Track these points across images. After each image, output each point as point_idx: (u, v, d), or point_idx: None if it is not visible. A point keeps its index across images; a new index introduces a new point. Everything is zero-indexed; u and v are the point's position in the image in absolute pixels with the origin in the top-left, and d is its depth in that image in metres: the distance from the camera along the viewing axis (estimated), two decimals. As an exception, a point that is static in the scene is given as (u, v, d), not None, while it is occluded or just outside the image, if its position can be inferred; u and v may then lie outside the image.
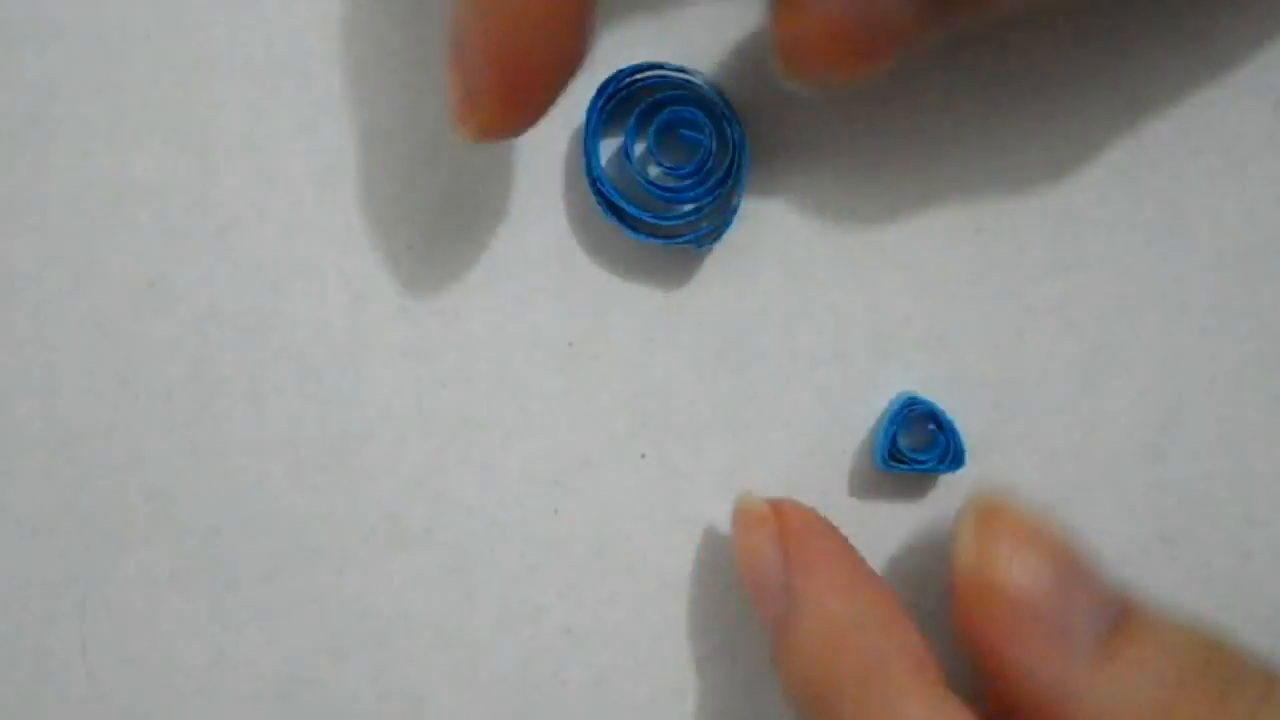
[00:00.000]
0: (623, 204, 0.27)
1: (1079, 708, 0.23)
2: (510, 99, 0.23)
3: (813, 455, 0.28)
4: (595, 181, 0.27)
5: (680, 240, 0.27)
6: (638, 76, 0.27)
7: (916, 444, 0.27)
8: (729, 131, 0.27)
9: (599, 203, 0.27)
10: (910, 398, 0.27)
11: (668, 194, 0.27)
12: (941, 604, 0.27)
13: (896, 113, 0.28)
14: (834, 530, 0.26)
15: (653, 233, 0.27)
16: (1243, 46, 0.28)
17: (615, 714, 0.28)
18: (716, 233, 0.27)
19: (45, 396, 0.28)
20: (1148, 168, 0.28)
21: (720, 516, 0.28)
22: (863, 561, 0.26)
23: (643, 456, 0.28)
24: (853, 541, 0.26)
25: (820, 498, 0.28)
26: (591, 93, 0.27)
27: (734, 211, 0.27)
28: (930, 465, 0.27)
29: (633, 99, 0.28)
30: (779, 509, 0.26)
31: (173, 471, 0.28)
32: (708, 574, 0.28)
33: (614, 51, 0.28)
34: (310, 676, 0.28)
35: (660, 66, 0.27)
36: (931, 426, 0.27)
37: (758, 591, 0.25)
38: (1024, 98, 0.28)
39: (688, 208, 0.27)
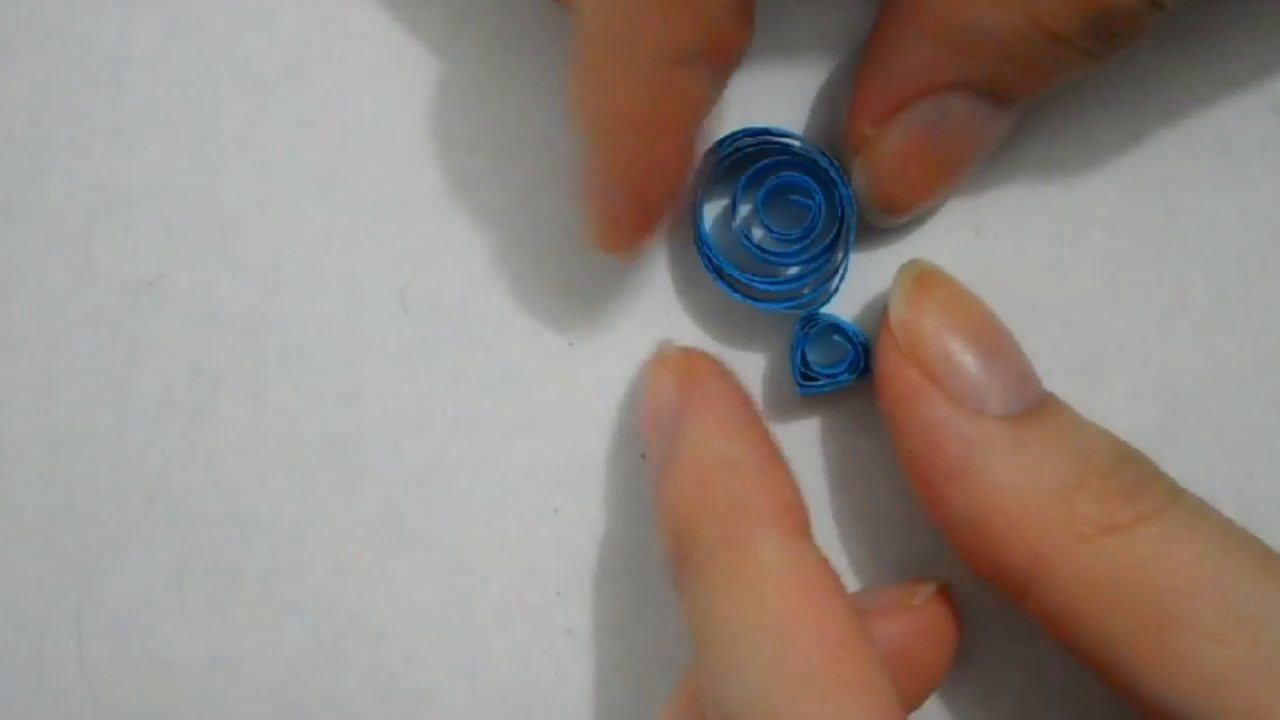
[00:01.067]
0: (728, 268, 0.27)
1: (983, 462, 0.23)
2: (646, 220, 0.25)
3: (814, 455, 0.28)
4: (702, 244, 0.27)
5: (784, 305, 0.27)
6: (748, 141, 0.27)
7: (829, 359, 0.27)
8: (837, 196, 0.27)
9: (705, 266, 0.27)
10: (806, 315, 0.27)
11: (774, 258, 0.27)
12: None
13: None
14: (732, 376, 0.26)
15: (756, 296, 0.27)
16: (1243, 45, 0.28)
17: (615, 714, 0.28)
18: (821, 298, 0.27)
19: (45, 396, 0.28)
20: (1148, 167, 0.28)
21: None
22: (752, 407, 0.25)
23: (643, 457, 0.28)
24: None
25: (825, 496, 0.28)
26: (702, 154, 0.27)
27: (841, 278, 0.27)
28: (843, 377, 0.27)
29: (740, 163, 0.27)
30: (688, 354, 0.26)
31: (172, 471, 0.28)
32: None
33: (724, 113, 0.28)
34: (310, 677, 0.28)
35: (767, 131, 0.27)
36: (837, 338, 0.27)
37: (651, 432, 0.25)
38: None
39: (792, 271, 0.27)
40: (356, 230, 0.28)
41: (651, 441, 0.25)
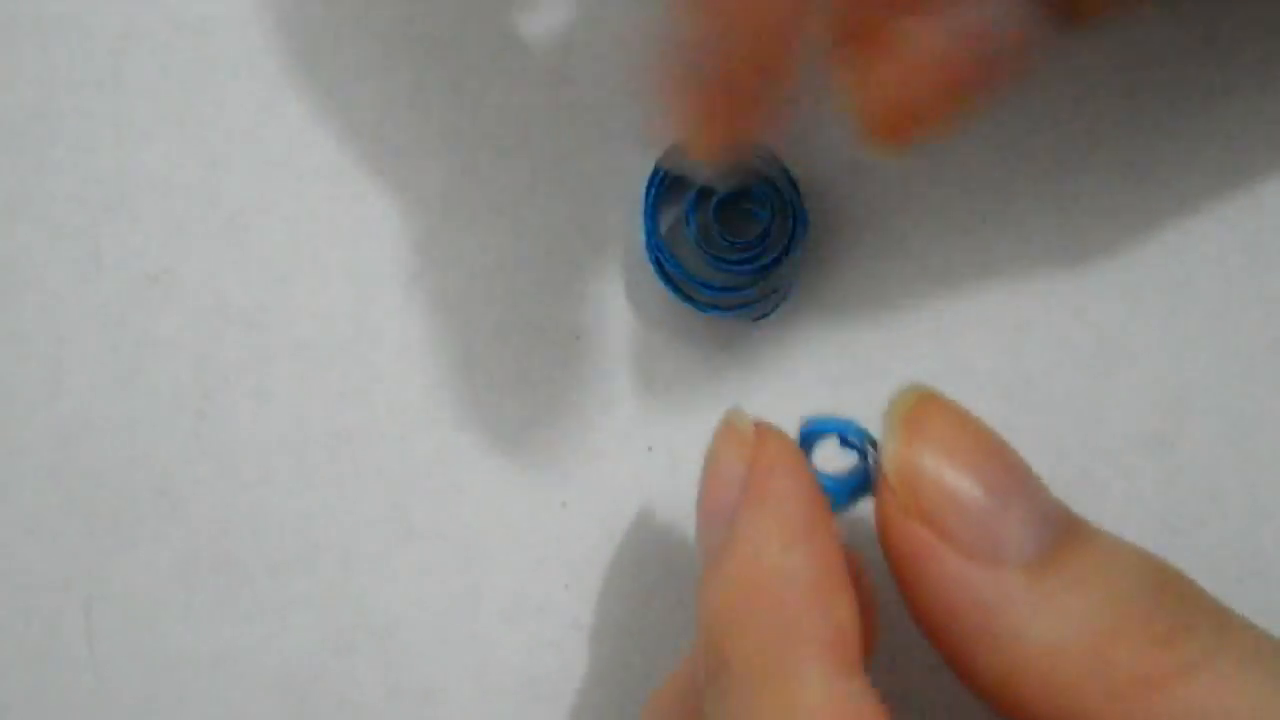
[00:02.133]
0: (676, 271, 0.27)
1: (1006, 620, 0.20)
2: (749, 107, 0.21)
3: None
4: (652, 247, 0.27)
5: (734, 313, 0.27)
6: None
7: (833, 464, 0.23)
8: (788, 207, 0.27)
9: (655, 271, 0.27)
10: (808, 430, 0.23)
11: (726, 265, 0.27)
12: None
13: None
14: (803, 466, 0.22)
15: (703, 302, 0.27)
16: (1248, 36, 0.28)
17: (623, 707, 0.28)
18: (771, 307, 0.27)
19: (51, 390, 0.28)
20: (1155, 156, 0.28)
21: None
22: (821, 507, 0.22)
23: (649, 449, 0.28)
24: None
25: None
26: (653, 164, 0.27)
27: (791, 289, 0.27)
28: (842, 500, 0.23)
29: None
30: (762, 434, 0.22)
31: (179, 465, 0.28)
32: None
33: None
34: (318, 670, 0.28)
35: None
36: (844, 447, 0.23)
37: (705, 515, 0.22)
38: (1029, 86, 0.28)
39: (743, 279, 0.27)
40: (362, 224, 0.28)
41: (704, 524, 0.22)
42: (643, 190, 0.27)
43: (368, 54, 0.29)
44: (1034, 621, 0.20)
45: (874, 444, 0.23)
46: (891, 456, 0.22)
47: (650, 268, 0.27)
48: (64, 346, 0.28)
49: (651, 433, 0.28)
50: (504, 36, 0.28)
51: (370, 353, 0.28)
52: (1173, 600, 0.21)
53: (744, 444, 0.22)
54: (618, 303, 0.28)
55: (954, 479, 0.21)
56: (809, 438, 0.23)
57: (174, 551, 0.28)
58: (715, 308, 0.27)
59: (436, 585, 0.28)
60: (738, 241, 0.27)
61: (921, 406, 0.22)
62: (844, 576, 0.21)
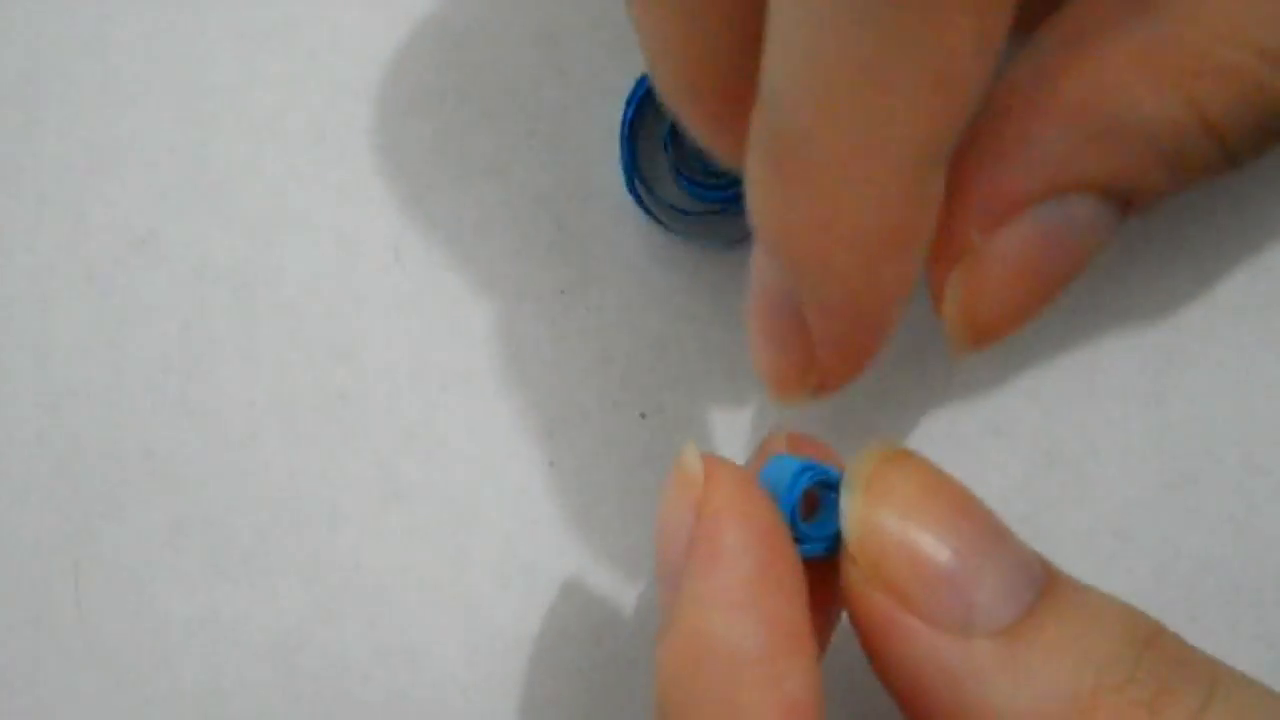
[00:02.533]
0: (652, 197, 0.27)
1: (977, 692, 0.19)
2: (867, 353, 0.21)
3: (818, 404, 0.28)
4: (629, 173, 0.27)
5: (707, 242, 0.27)
6: None
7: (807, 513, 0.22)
8: None
9: (633, 197, 0.27)
10: (800, 468, 0.22)
11: (702, 192, 0.27)
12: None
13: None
14: (761, 510, 0.20)
15: (685, 231, 0.27)
16: None
17: (614, 668, 0.28)
18: (744, 233, 0.27)
19: (38, 355, 0.28)
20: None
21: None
22: (780, 560, 0.20)
23: (642, 416, 0.28)
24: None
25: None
26: (631, 85, 0.27)
27: None
28: (826, 546, 0.21)
29: None
30: (712, 473, 0.20)
31: (166, 428, 0.28)
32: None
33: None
34: (306, 632, 0.28)
35: None
36: (833, 495, 0.21)
37: (657, 571, 0.21)
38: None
39: (720, 208, 0.27)
40: (348, 185, 0.28)
41: (656, 578, 0.21)
42: (620, 113, 0.27)
43: (353, 15, 0.28)
44: (1007, 692, 0.19)
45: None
46: (853, 521, 0.20)
47: (633, 203, 0.27)
48: (50, 310, 0.28)
49: (642, 393, 0.28)
50: (489, -4, 0.28)
51: (357, 314, 0.28)
52: (1154, 661, 0.19)
53: (692, 488, 0.20)
54: (606, 261, 0.28)
55: (920, 544, 0.20)
56: (780, 477, 0.22)
57: (161, 515, 0.28)
58: (688, 235, 0.27)
59: (424, 546, 0.28)
60: (714, 167, 0.27)
61: (886, 465, 0.21)
62: (799, 637, 0.20)
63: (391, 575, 0.28)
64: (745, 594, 0.20)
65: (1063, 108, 0.20)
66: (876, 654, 0.20)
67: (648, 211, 0.27)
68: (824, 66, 0.17)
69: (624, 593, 0.28)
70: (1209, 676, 0.19)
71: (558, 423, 0.28)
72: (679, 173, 0.27)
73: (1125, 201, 0.21)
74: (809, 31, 0.17)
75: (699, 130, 0.22)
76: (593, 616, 0.28)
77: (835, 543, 0.21)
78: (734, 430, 0.28)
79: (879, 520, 0.20)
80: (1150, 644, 0.20)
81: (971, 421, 0.27)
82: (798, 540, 0.21)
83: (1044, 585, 0.20)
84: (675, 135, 0.27)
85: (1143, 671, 0.19)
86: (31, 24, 0.29)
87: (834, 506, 0.21)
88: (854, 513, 0.20)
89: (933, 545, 0.20)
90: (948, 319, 0.22)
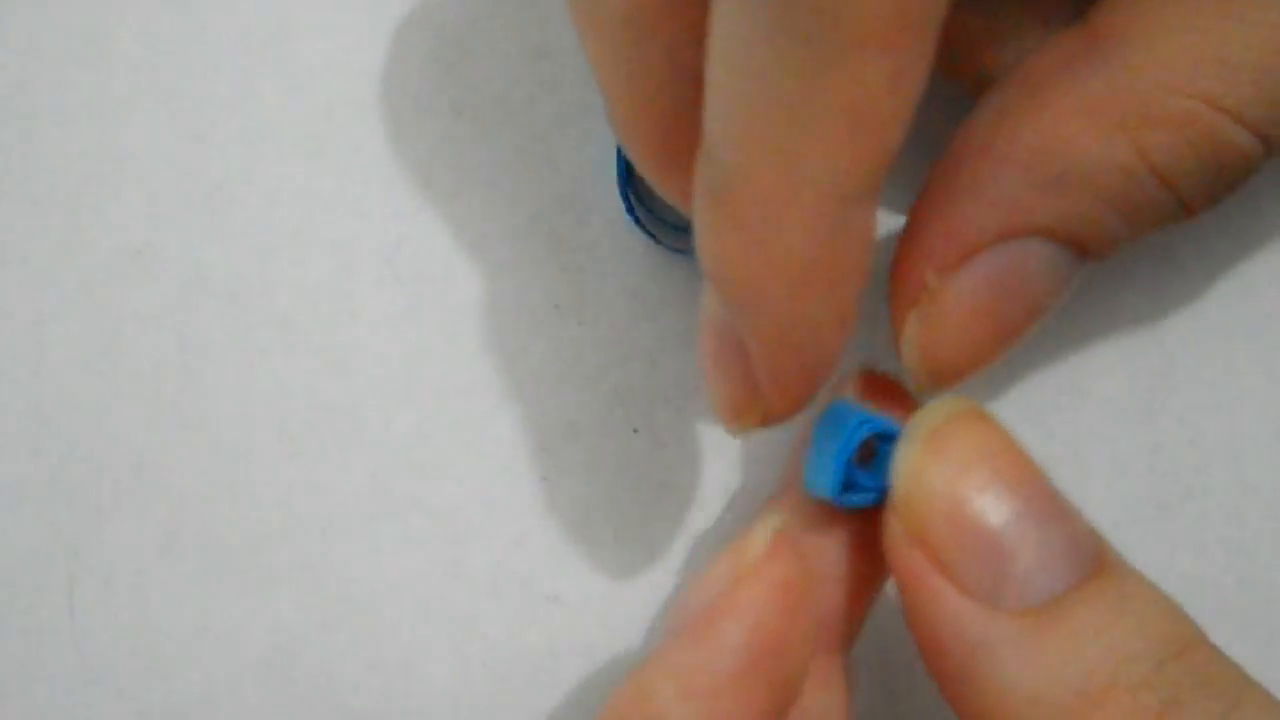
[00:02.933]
0: (645, 210, 0.27)
1: (990, 664, 0.19)
2: (806, 390, 0.21)
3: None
4: (625, 191, 0.27)
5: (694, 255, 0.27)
6: None
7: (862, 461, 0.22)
8: None
9: (627, 211, 0.27)
10: (859, 420, 0.22)
11: None
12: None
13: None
14: (780, 628, 0.20)
15: (678, 245, 0.27)
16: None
17: (605, 683, 0.28)
18: None
19: (33, 365, 0.28)
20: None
21: (711, 485, 0.28)
22: (754, 690, 0.19)
23: (635, 432, 0.28)
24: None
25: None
26: None
27: None
28: (876, 496, 0.21)
29: None
30: (767, 560, 0.20)
31: (160, 440, 0.28)
32: (697, 543, 0.28)
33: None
34: (299, 644, 0.28)
35: None
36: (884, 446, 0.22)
37: (674, 619, 0.21)
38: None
39: None
40: (344, 196, 0.28)
41: (669, 620, 0.21)
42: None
43: (349, 29, 0.29)
44: (1014, 672, 0.19)
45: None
46: (903, 474, 0.20)
47: (628, 219, 0.27)
48: (45, 320, 0.28)
49: (635, 409, 0.28)
50: (484, 9, 0.28)
51: (352, 326, 0.28)
52: (1178, 670, 0.19)
53: (738, 562, 0.20)
54: (601, 276, 0.28)
55: (964, 506, 0.19)
56: (839, 425, 0.22)
57: (155, 526, 0.28)
58: (681, 250, 0.27)
59: (417, 559, 0.28)
60: None
61: (948, 422, 0.20)
62: None
63: (384, 588, 0.28)
64: (707, 692, 0.19)
65: (1015, 154, 0.21)
66: (906, 605, 0.20)
67: (643, 226, 0.27)
68: (746, 105, 0.17)
69: (616, 608, 0.28)
70: (1231, 696, 0.19)
71: (551, 437, 0.28)
72: None
73: (1081, 249, 0.21)
74: (733, 72, 0.17)
75: (647, 170, 0.22)
76: (585, 631, 0.28)
77: (885, 495, 0.21)
78: (726, 447, 0.28)
79: (927, 476, 0.20)
80: (1180, 653, 0.19)
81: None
82: (849, 487, 0.21)
83: (1093, 566, 0.20)
84: None
85: (1161, 678, 0.19)
86: (26, 34, 0.29)
87: (889, 459, 0.21)
88: (905, 465, 0.20)
89: (976, 509, 0.19)
90: (906, 360, 0.22)
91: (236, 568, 0.28)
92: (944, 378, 0.22)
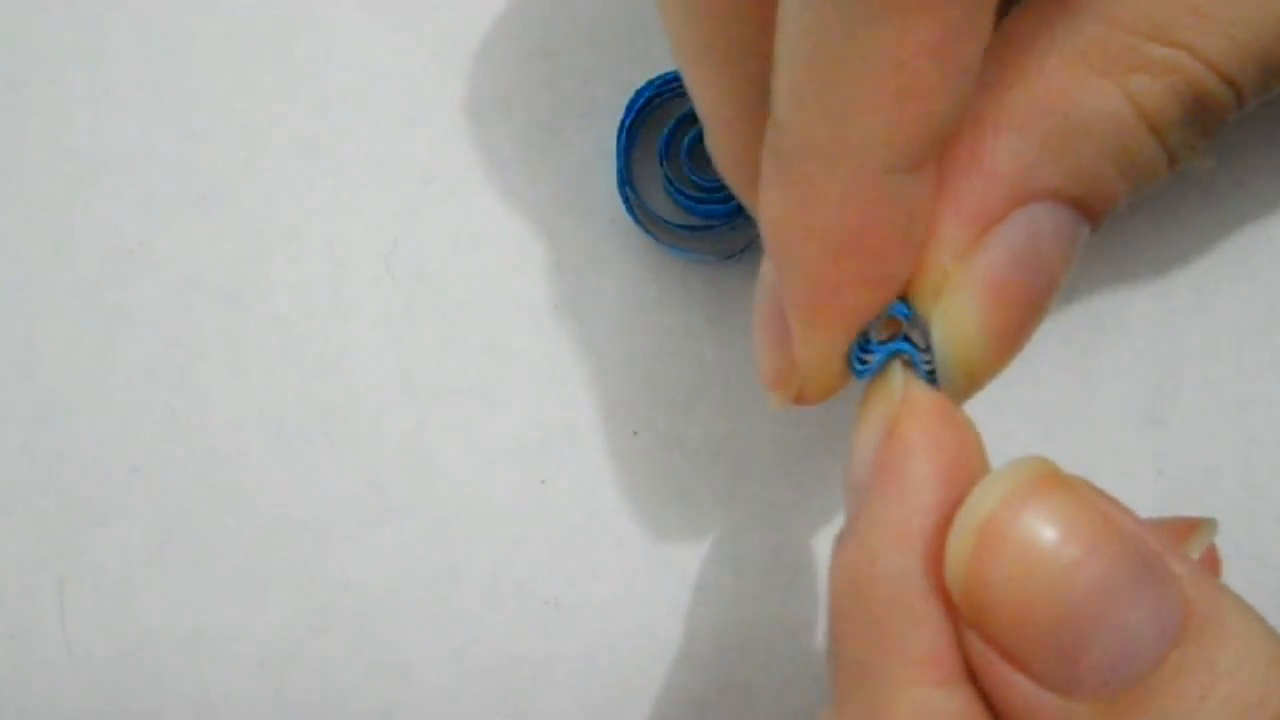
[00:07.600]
0: (651, 213, 0.27)
1: None
2: (826, 360, 0.21)
3: (810, 422, 0.28)
4: (624, 191, 0.27)
5: (696, 255, 0.27)
6: (676, 84, 0.27)
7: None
8: None
9: (626, 209, 0.27)
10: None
11: (696, 206, 0.27)
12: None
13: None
14: (958, 451, 0.19)
15: (677, 243, 0.27)
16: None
17: (602, 687, 0.27)
18: (737, 248, 0.27)
19: (24, 366, 0.28)
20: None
21: (711, 486, 0.28)
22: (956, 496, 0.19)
23: (634, 433, 0.28)
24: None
25: (815, 465, 0.27)
26: (629, 96, 0.27)
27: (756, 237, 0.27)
28: (902, 346, 0.21)
29: (669, 107, 0.27)
30: (909, 395, 0.20)
31: (153, 442, 0.28)
32: (695, 547, 0.28)
33: (657, 59, 0.28)
34: (294, 647, 0.28)
35: None
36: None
37: (846, 478, 0.20)
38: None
39: (713, 222, 0.27)
40: (339, 196, 0.28)
41: (845, 483, 0.21)
42: (614, 127, 0.27)
43: (345, 27, 0.28)
44: None
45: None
46: (957, 564, 0.18)
47: (626, 218, 0.27)
48: (38, 321, 0.28)
49: (634, 410, 0.28)
50: (484, 9, 0.28)
51: (347, 327, 0.28)
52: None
53: (888, 405, 0.20)
54: (599, 276, 0.28)
55: (1030, 603, 0.18)
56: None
57: (148, 529, 0.28)
58: (680, 248, 0.27)
59: (414, 563, 0.28)
60: (708, 181, 0.27)
61: (1007, 506, 0.18)
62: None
63: (381, 591, 0.28)
64: (918, 532, 0.19)
65: (1010, 120, 0.20)
66: (979, 678, 0.19)
67: (641, 225, 0.27)
68: (798, 71, 0.18)
69: (615, 610, 0.28)
70: None
71: (549, 439, 0.28)
72: (673, 187, 0.27)
73: (1086, 210, 0.21)
74: (792, 30, 0.18)
75: (743, 193, 0.22)
76: (584, 634, 0.28)
77: (908, 347, 0.21)
78: (726, 447, 0.28)
79: (986, 574, 0.18)
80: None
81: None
82: (870, 359, 0.21)
83: (1176, 632, 0.18)
84: (670, 149, 0.27)
85: None
86: (20, 32, 0.28)
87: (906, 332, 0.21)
88: (960, 553, 0.18)
89: (1039, 602, 0.18)
90: (939, 362, 0.21)
91: (231, 571, 0.28)
92: (982, 367, 0.21)
